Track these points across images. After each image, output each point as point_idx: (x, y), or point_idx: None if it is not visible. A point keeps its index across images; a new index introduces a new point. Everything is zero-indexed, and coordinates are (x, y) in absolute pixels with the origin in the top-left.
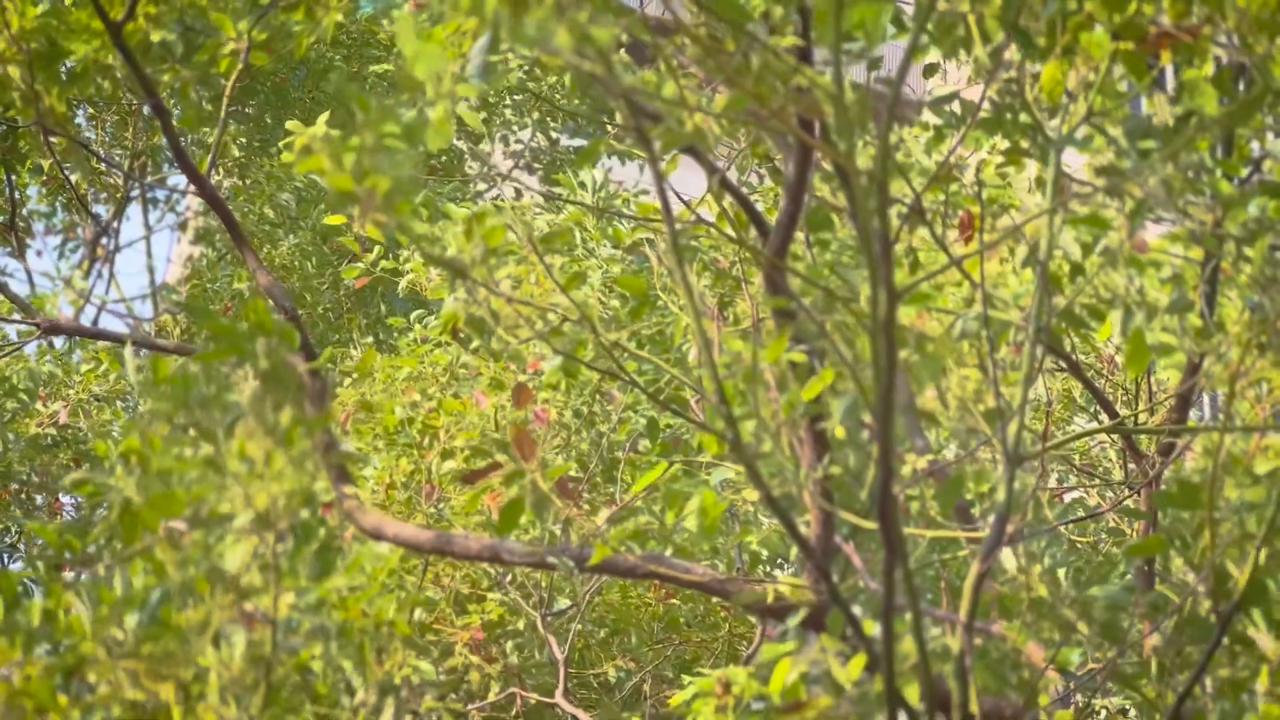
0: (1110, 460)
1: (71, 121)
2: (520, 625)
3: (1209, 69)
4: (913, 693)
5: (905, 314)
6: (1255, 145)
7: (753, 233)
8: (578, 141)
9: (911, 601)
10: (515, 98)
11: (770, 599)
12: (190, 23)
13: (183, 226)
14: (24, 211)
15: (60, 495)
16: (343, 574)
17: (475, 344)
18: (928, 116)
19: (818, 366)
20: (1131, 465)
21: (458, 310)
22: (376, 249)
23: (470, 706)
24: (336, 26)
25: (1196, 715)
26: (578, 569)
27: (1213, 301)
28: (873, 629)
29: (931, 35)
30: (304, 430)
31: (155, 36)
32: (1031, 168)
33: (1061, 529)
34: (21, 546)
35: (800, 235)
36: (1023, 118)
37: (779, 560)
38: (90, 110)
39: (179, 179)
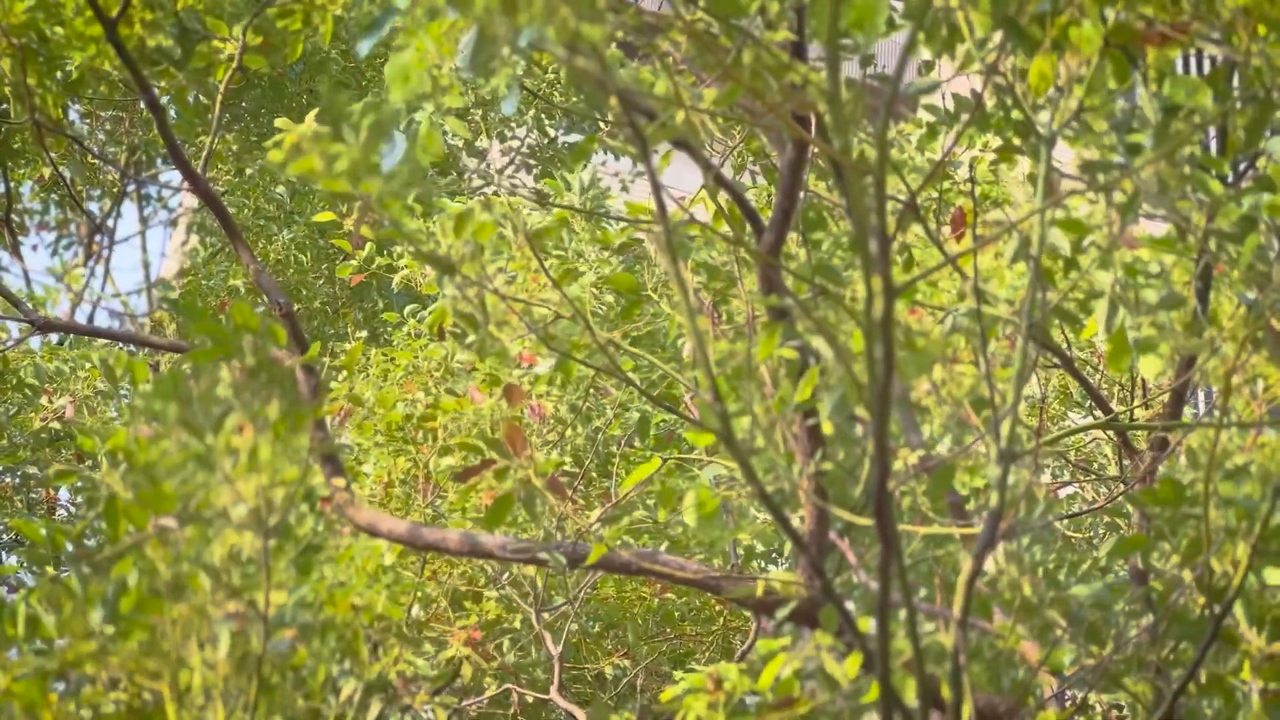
0: (1106, 456)
1: (66, 118)
2: (517, 623)
3: (1176, 52)
4: (908, 690)
5: (896, 308)
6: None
7: (748, 229)
8: (574, 137)
9: (906, 598)
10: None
11: (762, 594)
12: (186, 23)
13: (174, 223)
14: (18, 208)
15: (55, 490)
16: (330, 568)
17: (470, 339)
18: (921, 114)
19: (811, 362)
20: (1126, 461)
21: (447, 307)
22: (370, 245)
23: (466, 703)
24: (335, 20)
25: (1190, 713)
26: (571, 565)
27: (1206, 298)
28: (867, 625)
29: (925, 32)
30: (292, 422)
31: (151, 42)
32: (1024, 164)
33: (1056, 525)
34: (25, 542)
35: (795, 235)
36: (1014, 114)
37: (774, 555)
38: (85, 107)
39: (173, 175)
